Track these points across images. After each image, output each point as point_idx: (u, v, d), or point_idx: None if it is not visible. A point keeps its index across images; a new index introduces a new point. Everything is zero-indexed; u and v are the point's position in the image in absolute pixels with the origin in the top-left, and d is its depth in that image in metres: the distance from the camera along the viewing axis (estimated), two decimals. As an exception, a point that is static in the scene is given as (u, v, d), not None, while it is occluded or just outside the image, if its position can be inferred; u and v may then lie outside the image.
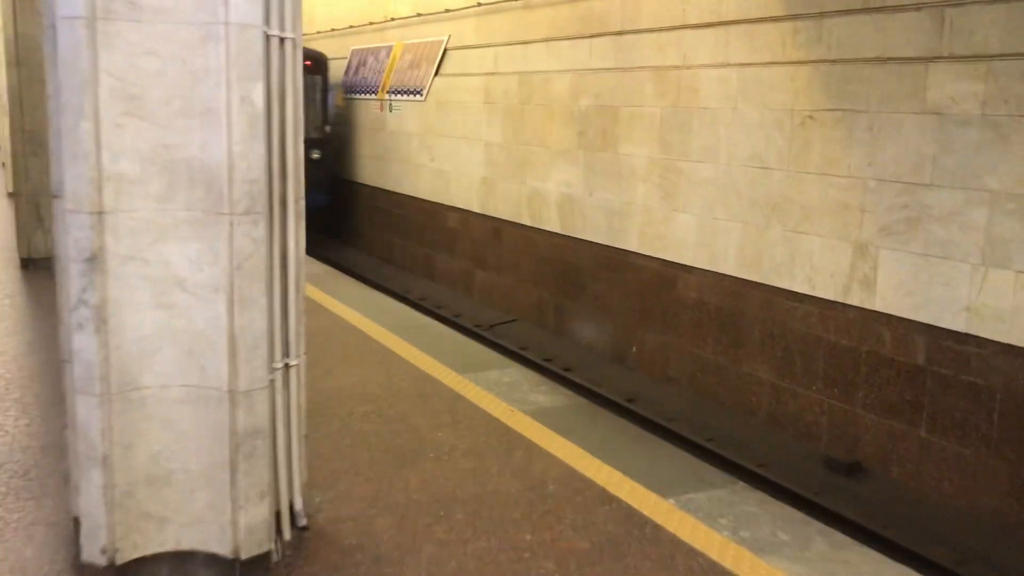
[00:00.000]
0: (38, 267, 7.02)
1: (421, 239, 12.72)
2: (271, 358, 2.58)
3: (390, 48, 13.37)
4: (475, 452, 3.65)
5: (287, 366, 2.68)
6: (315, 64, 14.02)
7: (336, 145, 14.98)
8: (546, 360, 8.75)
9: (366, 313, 5.75)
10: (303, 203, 2.70)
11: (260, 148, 2.38)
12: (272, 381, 2.59)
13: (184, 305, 2.39)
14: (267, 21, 2.42)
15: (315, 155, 13.49)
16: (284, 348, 2.66)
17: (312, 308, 5.91)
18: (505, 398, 4.28)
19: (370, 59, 14.02)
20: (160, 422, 2.42)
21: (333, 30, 15.22)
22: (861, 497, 6.06)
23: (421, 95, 12.40)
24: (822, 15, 6.52)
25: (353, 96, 14.67)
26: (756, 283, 7.20)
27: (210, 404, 2.43)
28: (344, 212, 15.44)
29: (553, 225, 9.71)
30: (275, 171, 2.53)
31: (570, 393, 4.58)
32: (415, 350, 4.95)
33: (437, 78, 12.02)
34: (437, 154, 12.16)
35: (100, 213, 2.30)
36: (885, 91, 6.08)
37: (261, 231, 2.38)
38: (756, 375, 7.23)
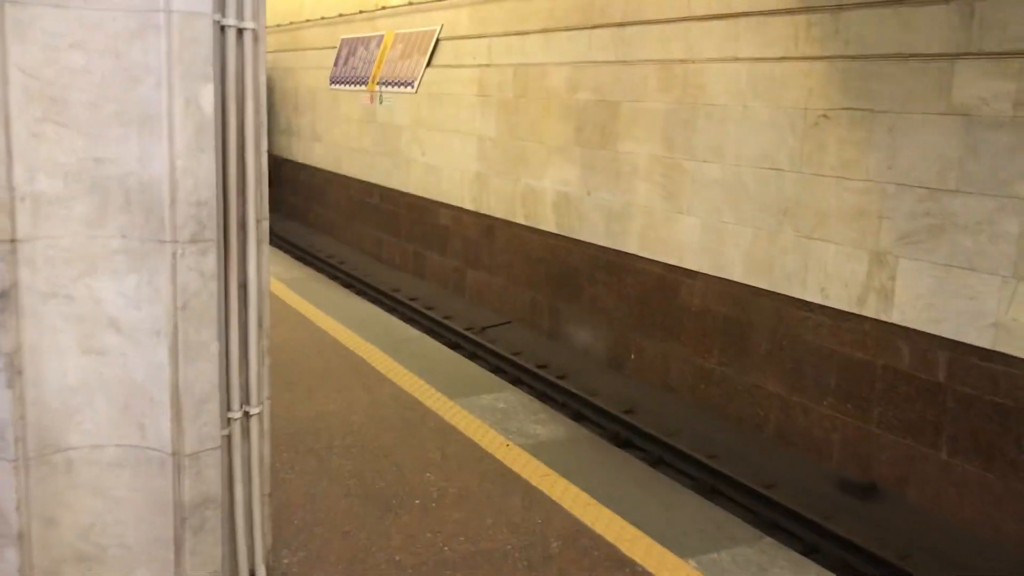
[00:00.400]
0: None
1: (411, 236, 12.30)
2: (226, 409, 2.18)
3: (381, 38, 12.92)
4: (467, 497, 3.26)
5: (247, 415, 2.28)
6: None
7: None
8: (540, 367, 8.35)
9: (350, 324, 5.35)
10: (267, 224, 2.29)
11: (210, 162, 1.97)
12: (228, 436, 2.19)
13: (118, 351, 1.98)
14: (221, 8, 2.01)
15: None
16: (244, 394, 2.26)
17: (291, 318, 5.49)
18: (500, 428, 3.87)
19: (360, 49, 13.57)
20: (90, 490, 2.02)
21: (323, 18, 14.75)
22: (876, 522, 5.69)
23: (412, 87, 11.97)
24: (839, 8, 6.12)
25: (343, 87, 14.21)
26: (765, 291, 6.81)
27: (151, 468, 2.03)
28: (326, 204, 15.00)
29: (548, 224, 9.31)
30: (232, 189, 2.12)
31: (570, 423, 4.18)
32: (402, 370, 4.54)
33: (429, 69, 11.58)
34: (428, 148, 11.73)
35: (13, 241, 1.89)
36: (907, 90, 5.69)
37: (211, 262, 1.98)
38: (764, 387, 6.85)
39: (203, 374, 2.02)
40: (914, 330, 5.72)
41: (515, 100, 9.76)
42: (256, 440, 2.30)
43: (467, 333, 9.26)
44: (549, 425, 3.95)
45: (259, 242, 2.23)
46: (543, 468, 3.47)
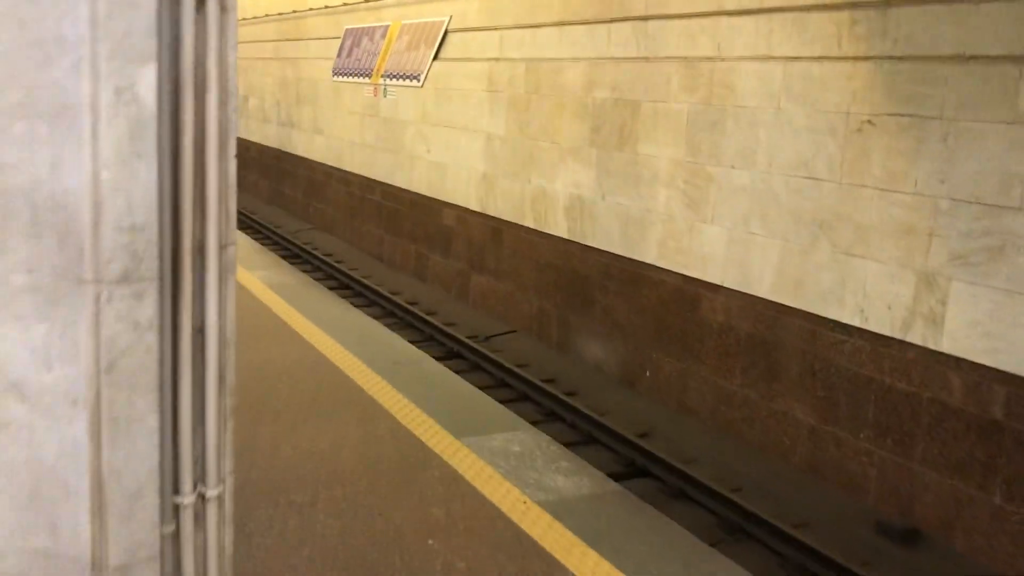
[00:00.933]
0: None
1: (413, 236, 11.77)
2: (172, 494, 1.66)
3: (386, 28, 12.38)
4: (478, 574, 2.73)
5: (202, 498, 1.76)
6: None
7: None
8: (547, 381, 7.83)
9: (346, 339, 4.83)
10: (233, 251, 1.77)
11: (149, 172, 1.45)
12: (175, 531, 1.67)
13: (21, 423, 1.46)
14: (172, -37, 1.49)
15: None
16: (199, 470, 1.74)
17: (280, 332, 4.98)
18: (516, 479, 3.35)
19: (364, 40, 13.03)
20: (-18, 611, 1.50)
21: (327, 7, 14.20)
22: (919, 571, 5.17)
23: (418, 80, 11.43)
24: (887, 4, 5.59)
25: (346, 79, 13.67)
26: (796, 310, 6.29)
27: (65, 581, 1.51)
28: (326, 200, 14.47)
29: (559, 229, 8.78)
30: (187, 207, 1.60)
31: (596, 473, 3.63)
32: (402, 398, 4.02)
33: (436, 62, 11.04)
34: (434, 145, 11.20)
35: None
36: (965, 95, 5.16)
37: (149, 309, 1.46)
38: (792, 415, 6.33)
39: (137, 456, 1.50)
40: (967, 360, 5.20)
41: (526, 97, 9.23)
42: (214, 529, 1.78)
43: (470, 342, 8.74)
44: (573, 477, 3.42)
45: (223, 275, 1.71)
46: (568, 536, 2.94)
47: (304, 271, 11.91)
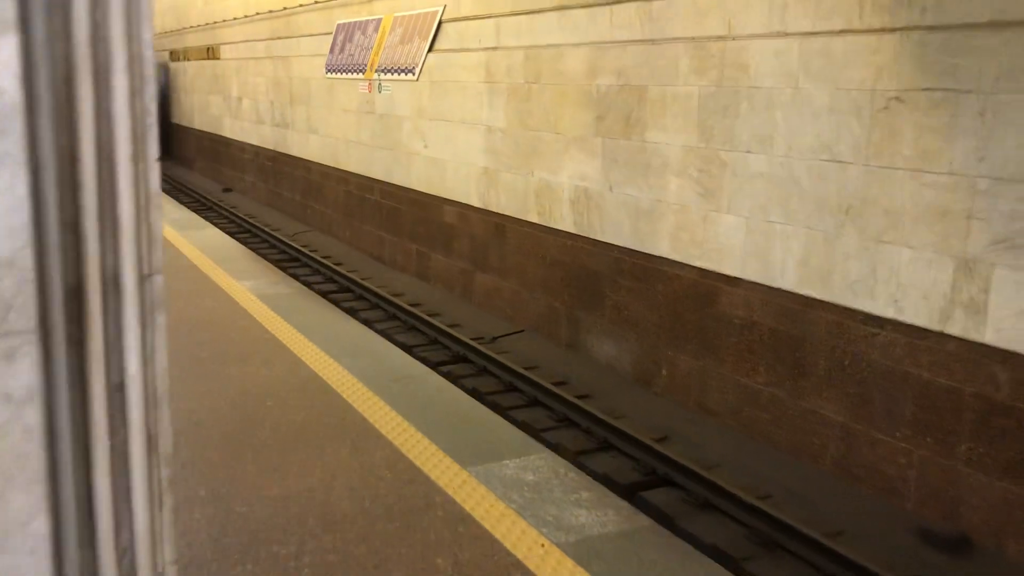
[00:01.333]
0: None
1: (414, 235, 11.38)
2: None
3: (379, 22, 11.98)
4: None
5: (135, 598, 1.38)
6: None
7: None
8: (558, 384, 7.44)
9: (341, 354, 4.45)
10: (161, 281, 1.38)
11: (15, 185, 1.06)
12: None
13: None
14: None
15: None
16: (127, 567, 1.35)
17: (268, 349, 4.60)
18: (531, 516, 2.95)
19: (357, 34, 12.63)
20: None
21: (317, 2, 13.80)
22: (970, 581, 4.78)
23: (413, 74, 11.03)
24: (913, -30, 5.17)
25: (339, 75, 13.27)
26: (823, 302, 5.89)
27: None
28: (323, 201, 14.09)
29: (566, 224, 8.38)
30: (89, 229, 1.21)
31: (622, 505, 3.20)
32: (402, 423, 3.62)
33: (431, 55, 10.64)
34: (431, 140, 10.80)
35: None
36: (1004, 66, 4.75)
37: (26, 373, 1.07)
38: (821, 413, 5.93)
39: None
40: (1014, 352, 4.79)
41: (527, 86, 8.83)
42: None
43: (475, 344, 8.34)
44: (596, 510, 3.02)
45: (146, 313, 1.32)
46: (598, 592, 2.55)
47: (302, 276, 11.54)
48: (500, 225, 9.46)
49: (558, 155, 8.42)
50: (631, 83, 7.44)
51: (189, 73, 22.88)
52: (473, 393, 7.44)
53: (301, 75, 14.94)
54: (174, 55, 24.26)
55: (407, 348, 8.61)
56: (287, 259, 12.63)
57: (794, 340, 6.11)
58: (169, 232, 8.25)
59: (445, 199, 10.55)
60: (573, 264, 8.31)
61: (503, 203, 9.38)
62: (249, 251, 7.54)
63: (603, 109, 7.77)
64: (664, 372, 7.24)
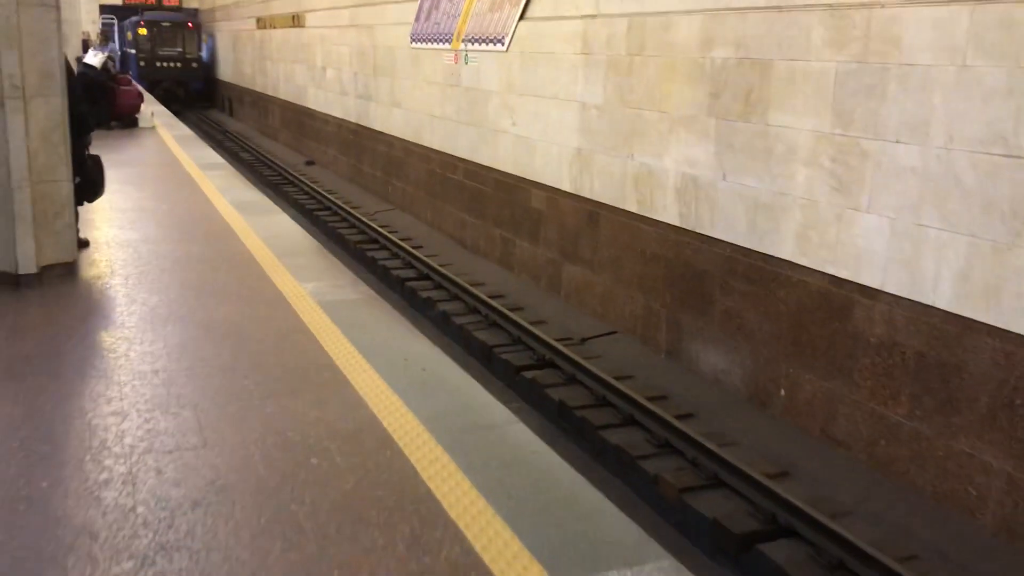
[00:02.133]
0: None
1: (498, 219, 10.59)
2: None
3: (467, -13, 11.15)
4: None
5: None
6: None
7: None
8: (655, 398, 6.57)
9: (407, 388, 3.65)
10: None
11: None
12: None
13: None
14: None
15: None
16: None
17: (324, 378, 3.86)
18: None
19: (444, 2, 11.82)
20: None
21: (402, -33, 13.04)
22: None
23: (502, 44, 10.18)
24: None
25: (424, 45, 12.50)
26: (988, 326, 4.88)
27: None
28: (405, 179, 13.38)
29: (669, 215, 7.47)
30: None
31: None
32: (479, 501, 2.75)
33: (522, 23, 9.77)
34: (520, 117, 9.96)
35: None
36: None
37: None
38: (981, 459, 4.94)
39: None
40: None
41: (628, 59, 7.90)
42: None
43: (561, 347, 7.51)
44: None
45: None
46: None
47: (379, 259, 10.86)
48: (593, 213, 8.58)
49: (662, 137, 7.49)
50: (752, 56, 6.46)
51: (275, 41, 22.48)
52: (560, 408, 6.65)
53: (386, 45, 14.24)
54: (260, 22, 23.90)
55: (487, 351, 7.85)
56: (366, 240, 11.99)
57: (947, 368, 5.12)
58: (235, 219, 7.61)
59: (533, 182, 9.72)
60: (676, 261, 7.39)
61: (597, 189, 8.50)
62: (317, 244, 6.83)
63: (718, 86, 6.81)
64: (783, 392, 6.30)
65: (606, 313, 8.40)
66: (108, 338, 4.46)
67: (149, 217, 7.83)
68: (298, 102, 20.36)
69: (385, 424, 3.32)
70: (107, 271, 5.76)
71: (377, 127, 14.91)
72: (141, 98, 15.82)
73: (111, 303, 5.15)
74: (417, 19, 12.70)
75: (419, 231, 12.52)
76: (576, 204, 8.88)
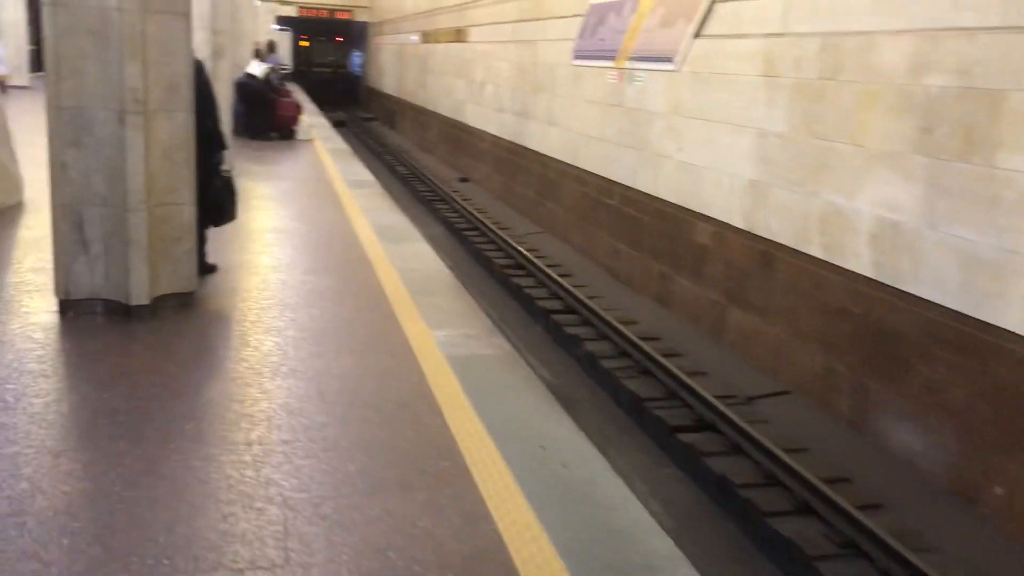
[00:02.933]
0: (81, 312, 4.72)
1: (656, 251, 9.75)
2: None
3: (637, 1, 10.39)
4: None
5: None
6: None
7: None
8: (835, 480, 5.58)
9: (545, 499, 2.90)
10: None
11: None
12: None
13: None
14: None
15: None
16: None
17: (445, 460, 3.16)
18: None
19: (611, 16, 11.12)
20: None
21: (568, -20, 12.42)
22: None
23: (672, 63, 9.36)
24: None
25: (587, 63, 11.82)
26: None
27: None
28: (558, 201, 12.71)
29: (861, 264, 6.45)
30: None
31: None
32: None
33: (697, 40, 8.93)
34: (687, 142, 9.11)
35: None
36: None
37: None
38: None
39: None
40: None
41: (819, 83, 6.93)
42: None
43: (723, 407, 6.60)
44: None
45: None
46: None
47: (524, 287, 10.21)
48: (767, 254, 7.63)
49: (856, 173, 6.49)
50: (978, 86, 5.41)
51: (437, 56, 22.40)
52: (721, 483, 5.76)
53: (546, 61, 13.66)
54: (425, 37, 23.93)
55: (638, 403, 7.03)
56: (512, 265, 11.38)
57: None
58: (373, 245, 7.10)
59: (698, 214, 8.84)
60: (866, 317, 6.36)
61: (774, 227, 7.54)
62: (455, 281, 6.18)
63: (930, 118, 5.77)
64: (999, 490, 5.19)
65: (777, 368, 7.42)
66: (208, 392, 3.91)
67: (286, 239, 7.39)
68: (456, 117, 20.13)
69: (512, 550, 2.60)
70: (227, 304, 5.24)
71: (532, 146, 14.34)
72: (300, 110, 15.84)
73: (222, 346, 4.62)
74: (581, 35, 12.04)
75: (568, 258, 11.81)
76: (747, 242, 7.95)
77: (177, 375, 4.05)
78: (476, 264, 12.31)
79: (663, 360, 7.57)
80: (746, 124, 7.98)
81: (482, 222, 13.84)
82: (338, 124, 26.27)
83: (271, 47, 16.70)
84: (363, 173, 12.00)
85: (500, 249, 12.34)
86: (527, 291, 10.22)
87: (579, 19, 12.17)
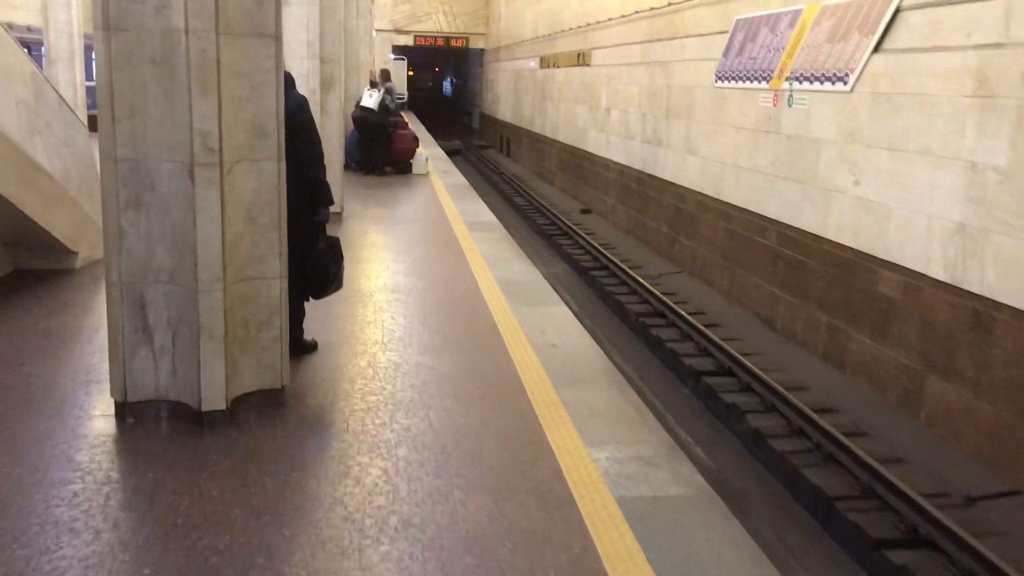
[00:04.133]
0: (141, 417, 3.74)
1: (825, 302, 8.34)
2: None
3: (797, 14, 9.07)
4: None
5: None
6: None
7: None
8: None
9: None
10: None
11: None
12: None
13: None
14: None
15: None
16: None
17: None
18: None
19: (763, 32, 9.81)
20: None
21: (711, -7, 11.17)
22: None
23: (845, 83, 8.00)
24: None
25: (732, 84, 10.53)
26: None
27: None
28: (697, 238, 11.39)
29: None
30: None
31: None
32: None
33: (877, 55, 7.56)
34: (866, 175, 7.72)
35: None
36: None
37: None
38: None
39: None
40: None
41: (1061, 103, 5.49)
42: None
43: (937, 512, 5.18)
44: None
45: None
46: None
47: (666, 340, 8.93)
48: (982, 314, 6.18)
49: (1122, 219, 5.03)
50: None
51: (557, 81, 21.41)
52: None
53: (682, 83, 12.41)
54: (544, 62, 23.00)
55: (825, 503, 5.67)
56: (649, 312, 10.13)
57: None
58: (503, 310, 5.95)
59: (882, 260, 7.42)
60: None
61: (992, 282, 6.09)
62: (608, 365, 4.95)
63: None
64: None
65: (998, 458, 5.95)
66: (285, 565, 2.85)
67: (399, 303, 6.25)
68: (577, 145, 19.04)
69: None
70: (324, 402, 4.12)
71: (666, 176, 13.08)
72: (417, 142, 15.03)
73: (312, 478, 3.43)
74: (726, 54, 10.75)
75: (713, 303, 10.49)
76: (953, 298, 6.50)
77: (247, 528, 2.95)
78: (605, 307, 11.11)
79: (849, 444, 6.19)
80: (950, 155, 6.56)
81: (610, 259, 12.63)
82: (453, 152, 25.63)
83: (385, 75, 15.99)
84: (484, 212, 10.97)
85: (633, 292, 11.10)
86: (669, 344, 8.96)
87: (722, 36, 10.89)
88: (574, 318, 5.79)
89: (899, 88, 7.25)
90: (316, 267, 4.57)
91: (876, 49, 7.56)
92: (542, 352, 4.90)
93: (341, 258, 4.79)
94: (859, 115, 7.82)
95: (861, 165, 7.79)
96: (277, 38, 3.53)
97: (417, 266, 7.49)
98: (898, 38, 7.30)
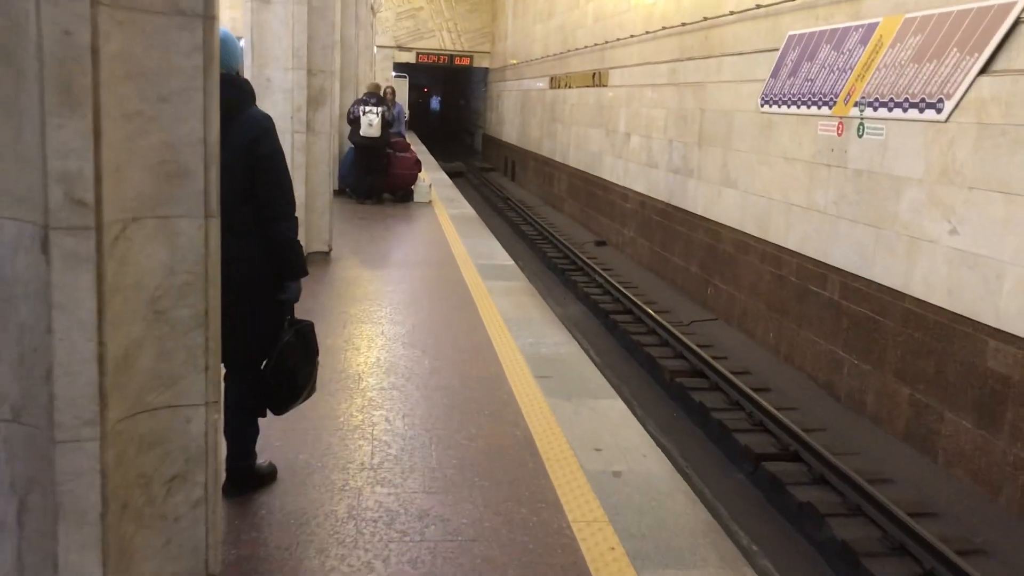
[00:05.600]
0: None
1: (907, 372, 6.95)
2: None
3: (871, 28, 7.73)
4: None
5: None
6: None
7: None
8: None
9: None
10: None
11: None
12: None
13: None
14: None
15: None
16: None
17: None
18: None
19: (824, 49, 8.47)
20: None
21: (759, 6, 9.84)
22: None
23: (938, 110, 6.65)
24: None
25: (782, 109, 9.19)
26: None
27: None
28: (736, 283, 9.99)
29: None
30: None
31: None
32: None
33: (985, 78, 6.21)
34: (967, 222, 6.36)
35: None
36: None
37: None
38: None
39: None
40: None
41: None
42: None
43: None
44: None
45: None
46: None
47: (710, 407, 7.51)
48: None
49: None
50: None
51: (568, 103, 20.10)
52: None
53: (718, 107, 11.06)
54: (554, 81, 21.71)
55: None
56: (686, 371, 8.72)
57: None
58: (537, 406, 4.51)
59: (992, 328, 6.04)
60: None
61: None
62: (692, 499, 3.52)
63: None
64: None
65: None
66: None
67: (397, 394, 4.74)
68: (590, 171, 17.70)
69: None
70: None
71: (697, 210, 11.71)
72: (419, 166, 13.63)
73: None
74: (775, 74, 9.42)
75: (758, 360, 9.09)
76: (1100, 386, 5.12)
77: None
78: (630, 358, 9.70)
79: (960, 562, 4.79)
80: (1095, 202, 5.20)
81: (634, 302, 11.23)
82: (455, 175, 24.31)
83: (394, 92, 14.65)
84: (499, 253, 9.52)
85: (664, 344, 9.70)
86: (716, 414, 7.55)
87: (771, 55, 9.56)
88: (635, 420, 4.33)
89: (1018, 118, 5.90)
90: (280, 370, 3.14)
91: (984, 70, 6.22)
92: (603, 487, 3.46)
93: (315, 353, 3.37)
94: (958, 149, 6.46)
95: (960, 210, 6.43)
96: (209, 17, 2.12)
97: (421, 331, 5.97)
98: (1017, 57, 5.96)
